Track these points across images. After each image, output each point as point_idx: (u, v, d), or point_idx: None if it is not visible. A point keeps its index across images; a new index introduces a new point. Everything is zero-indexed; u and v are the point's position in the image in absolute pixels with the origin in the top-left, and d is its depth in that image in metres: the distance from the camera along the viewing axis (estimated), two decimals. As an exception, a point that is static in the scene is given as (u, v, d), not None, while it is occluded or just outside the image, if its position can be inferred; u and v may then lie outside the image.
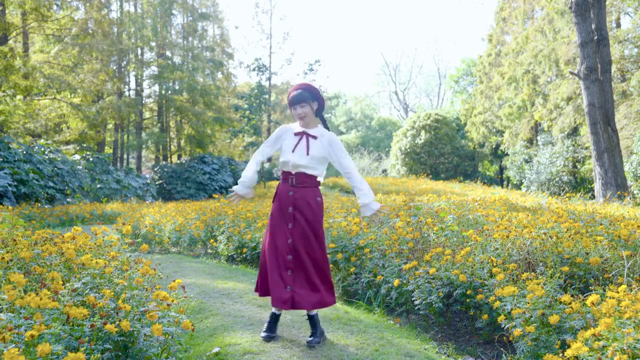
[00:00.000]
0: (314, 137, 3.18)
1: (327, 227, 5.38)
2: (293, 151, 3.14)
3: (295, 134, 3.20)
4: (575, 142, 21.75)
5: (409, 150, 32.78)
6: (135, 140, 27.44)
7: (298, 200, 3.11)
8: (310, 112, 3.18)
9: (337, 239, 4.83)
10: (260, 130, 25.30)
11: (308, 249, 3.10)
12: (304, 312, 3.25)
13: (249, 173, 3.24)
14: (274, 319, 3.19)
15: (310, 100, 3.18)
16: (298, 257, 3.09)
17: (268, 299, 4.24)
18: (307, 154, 3.13)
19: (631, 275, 2.97)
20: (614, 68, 18.11)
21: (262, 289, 3.21)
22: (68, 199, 15.97)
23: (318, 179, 3.21)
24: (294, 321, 3.57)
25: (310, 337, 3.11)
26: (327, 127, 3.29)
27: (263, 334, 3.14)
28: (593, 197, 15.74)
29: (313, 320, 3.15)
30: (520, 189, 25.46)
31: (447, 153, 32.41)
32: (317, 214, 3.14)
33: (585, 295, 2.86)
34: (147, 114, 29.96)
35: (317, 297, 3.08)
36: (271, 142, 3.28)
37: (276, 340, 3.15)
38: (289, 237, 3.09)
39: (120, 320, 2.17)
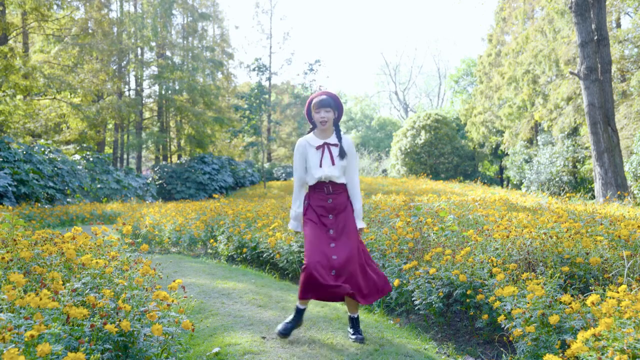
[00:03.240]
0: (335, 145, 3.24)
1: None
2: (321, 165, 3.20)
3: (317, 148, 3.24)
4: (575, 142, 21.75)
5: (409, 150, 32.78)
6: (135, 140, 27.44)
7: (338, 207, 3.20)
8: (332, 119, 3.24)
9: (337, 239, 4.82)
10: (260, 130, 25.31)
11: (352, 250, 3.11)
12: (303, 312, 3.24)
13: (300, 209, 3.31)
14: (302, 311, 3.20)
15: (334, 108, 3.24)
16: (342, 259, 3.07)
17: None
18: (333, 163, 3.20)
19: (631, 275, 2.97)
20: (614, 68, 18.11)
21: (306, 292, 3.13)
22: (68, 199, 15.97)
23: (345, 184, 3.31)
24: (294, 321, 3.57)
25: (352, 334, 3.21)
26: (339, 137, 3.29)
27: (280, 329, 3.14)
28: (593, 197, 15.74)
29: (355, 321, 3.24)
30: (520, 189, 25.46)
31: (447, 153, 32.41)
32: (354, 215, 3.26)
33: (585, 295, 2.86)
34: (147, 114, 29.97)
35: (366, 290, 3.12)
36: (300, 163, 3.28)
37: (276, 340, 3.15)
38: (332, 242, 3.12)
39: (120, 320, 2.17)
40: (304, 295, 3.10)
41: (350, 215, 3.22)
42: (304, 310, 3.21)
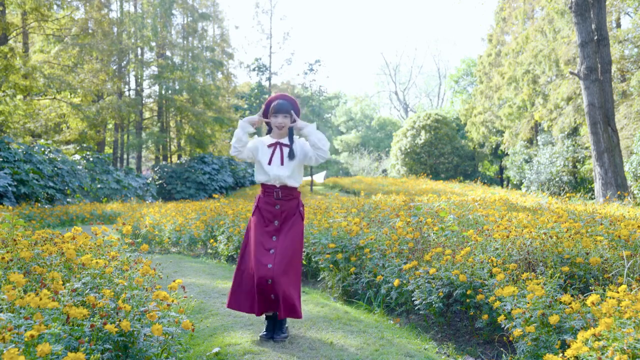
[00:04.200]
0: (287, 146, 3.23)
1: (327, 227, 5.39)
2: (270, 163, 3.17)
3: (269, 146, 3.23)
4: (575, 142, 21.74)
5: (409, 150, 32.77)
6: (135, 140, 27.43)
7: (284, 213, 3.17)
8: (288, 124, 3.24)
9: (337, 239, 4.83)
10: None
11: (291, 260, 3.10)
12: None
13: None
14: (271, 319, 3.21)
15: (291, 113, 3.25)
16: (279, 267, 3.04)
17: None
18: (282, 164, 3.17)
19: (631, 275, 2.97)
20: (614, 68, 18.10)
21: (237, 302, 3.20)
22: (68, 199, 15.97)
23: (298, 190, 3.28)
24: (293, 321, 3.57)
25: (275, 332, 3.17)
26: (291, 141, 3.26)
27: (262, 334, 3.17)
28: (593, 197, 15.73)
29: (281, 323, 3.20)
30: (520, 189, 25.45)
31: (447, 153, 32.40)
32: (301, 225, 3.21)
33: (585, 295, 2.86)
34: (147, 114, 29.96)
35: (291, 305, 3.09)
36: (249, 146, 3.25)
37: (276, 340, 3.15)
38: (272, 249, 3.09)
39: (120, 320, 2.17)
40: (231, 305, 3.19)
41: (299, 225, 3.18)
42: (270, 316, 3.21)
